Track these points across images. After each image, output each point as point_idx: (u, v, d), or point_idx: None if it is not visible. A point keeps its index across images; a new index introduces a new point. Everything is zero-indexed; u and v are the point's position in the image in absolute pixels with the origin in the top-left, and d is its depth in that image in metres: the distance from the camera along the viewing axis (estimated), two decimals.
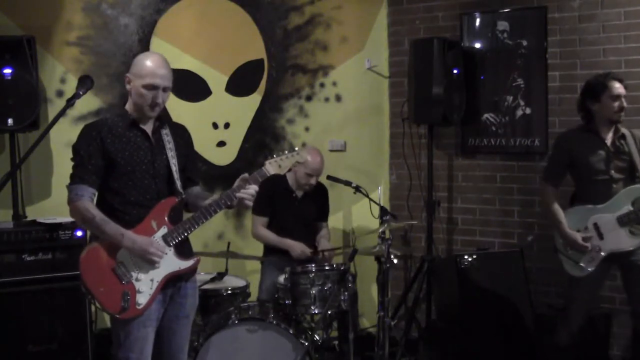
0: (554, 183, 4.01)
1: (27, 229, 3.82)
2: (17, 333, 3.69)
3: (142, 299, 2.88)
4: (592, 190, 3.88)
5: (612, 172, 3.84)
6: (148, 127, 3.01)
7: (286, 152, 3.10)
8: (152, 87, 2.90)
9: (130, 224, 2.90)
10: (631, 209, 3.77)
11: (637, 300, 3.87)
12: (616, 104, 3.82)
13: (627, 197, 3.80)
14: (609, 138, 3.88)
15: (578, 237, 3.84)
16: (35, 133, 4.07)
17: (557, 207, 3.94)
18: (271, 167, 3.05)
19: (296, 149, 3.14)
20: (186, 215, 3.06)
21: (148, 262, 2.89)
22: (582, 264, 3.83)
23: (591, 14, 4.67)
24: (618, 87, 3.82)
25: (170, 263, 2.95)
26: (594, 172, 3.86)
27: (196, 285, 3.17)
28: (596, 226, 3.84)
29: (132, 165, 2.93)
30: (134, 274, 2.89)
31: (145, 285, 2.90)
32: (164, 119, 3.07)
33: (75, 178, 2.89)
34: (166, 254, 2.93)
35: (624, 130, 3.91)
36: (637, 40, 4.54)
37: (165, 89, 2.95)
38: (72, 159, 2.92)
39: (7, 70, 3.89)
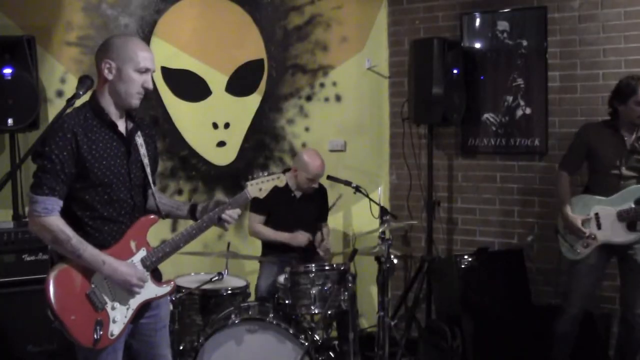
0: (569, 171, 4.17)
1: (27, 229, 3.80)
2: (17, 333, 3.69)
3: (116, 329, 2.64)
4: (601, 182, 4.04)
5: (623, 168, 3.97)
6: (122, 128, 2.71)
7: (266, 174, 2.95)
8: (146, 70, 2.66)
9: (101, 243, 2.62)
10: (632, 206, 3.91)
11: (628, 293, 4.05)
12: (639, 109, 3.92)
13: (632, 194, 3.94)
14: (629, 137, 4.00)
15: (578, 220, 4.03)
16: (35, 133, 4.06)
17: (566, 191, 4.14)
18: (252, 190, 2.91)
19: (276, 172, 3.00)
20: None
21: (128, 292, 2.66)
22: (577, 249, 4.02)
23: (591, 14, 4.67)
24: None
25: (147, 289, 2.72)
26: (606, 166, 4.01)
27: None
28: (597, 216, 4.01)
29: (110, 177, 2.63)
30: (109, 301, 2.64)
31: (120, 314, 2.66)
32: (137, 119, 2.79)
33: (44, 188, 2.51)
34: (147, 281, 2.72)
35: None
36: (637, 40, 4.54)
37: (152, 73, 2.72)
38: (37, 161, 2.55)
39: (7, 70, 3.88)
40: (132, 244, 2.70)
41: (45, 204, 2.52)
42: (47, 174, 2.53)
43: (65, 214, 2.59)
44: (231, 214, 2.84)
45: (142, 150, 2.75)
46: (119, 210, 2.68)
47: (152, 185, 2.78)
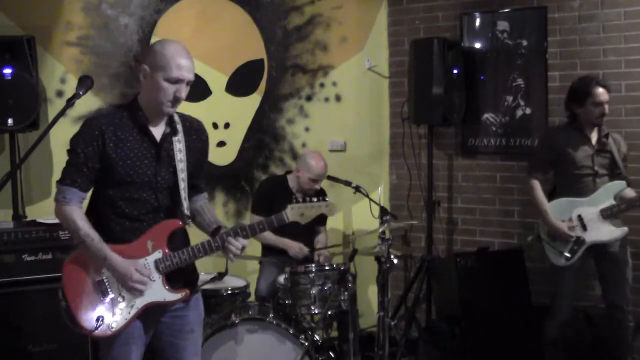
0: (540, 177, 4.19)
1: (27, 229, 3.81)
2: (17, 333, 3.69)
3: (115, 323, 2.64)
4: (576, 184, 4.07)
5: (596, 167, 4.03)
6: (157, 132, 2.71)
7: (314, 199, 2.82)
8: (176, 81, 2.61)
9: (120, 237, 2.68)
10: (614, 202, 3.98)
11: (612, 289, 4.08)
12: (598, 109, 3.98)
13: (608, 192, 4.02)
14: (593, 136, 4.07)
15: (564, 226, 4.02)
16: (35, 133, 4.06)
17: (544, 198, 4.13)
18: (292, 214, 2.81)
19: (327, 199, 2.84)
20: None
21: (128, 291, 2.66)
22: (566, 254, 4.02)
23: (591, 14, 4.67)
24: (601, 94, 3.97)
25: (155, 291, 2.69)
26: (579, 167, 4.04)
27: (199, 297, 2.91)
28: (580, 218, 4.03)
29: (132, 176, 2.66)
30: (115, 294, 2.66)
31: (123, 309, 2.66)
32: (176, 123, 2.76)
33: (67, 179, 2.65)
34: (154, 280, 2.68)
35: (607, 130, 4.10)
36: (637, 40, 4.55)
37: (188, 83, 2.66)
38: (68, 152, 2.68)
39: (7, 70, 3.88)
40: (149, 244, 2.70)
41: (65, 194, 2.64)
42: (71, 166, 2.65)
43: (93, 207, 2.73)
44: (236, 244, 2.73)
45: (180, 156, 2.72)
46: (140, 209, 2.70)
47: (180, 190, 2.73)
